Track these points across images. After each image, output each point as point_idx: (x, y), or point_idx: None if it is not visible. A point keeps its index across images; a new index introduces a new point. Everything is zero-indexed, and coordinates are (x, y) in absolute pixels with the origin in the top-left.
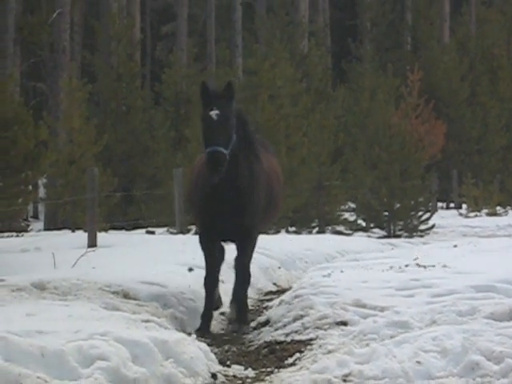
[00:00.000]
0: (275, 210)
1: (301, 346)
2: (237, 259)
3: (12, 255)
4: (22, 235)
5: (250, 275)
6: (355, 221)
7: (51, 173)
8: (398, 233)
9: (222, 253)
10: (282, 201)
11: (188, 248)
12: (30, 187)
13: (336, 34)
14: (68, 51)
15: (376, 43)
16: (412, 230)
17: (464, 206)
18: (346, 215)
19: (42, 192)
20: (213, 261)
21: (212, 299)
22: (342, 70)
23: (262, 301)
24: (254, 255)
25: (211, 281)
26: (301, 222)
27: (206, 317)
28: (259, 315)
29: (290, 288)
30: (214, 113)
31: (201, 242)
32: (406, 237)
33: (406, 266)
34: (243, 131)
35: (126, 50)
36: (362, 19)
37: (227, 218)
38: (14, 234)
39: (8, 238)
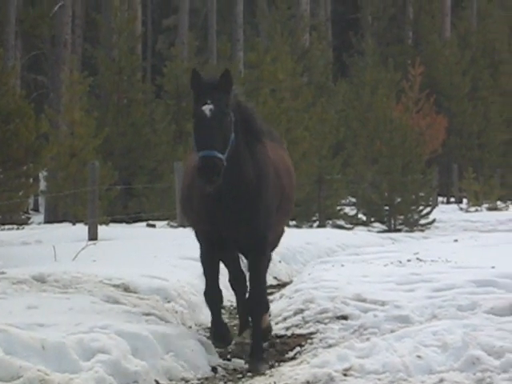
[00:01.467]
0: (289, 207)
1: (301, 339)
2: (249, 279)
3: (13, 248)
4: (23, 228)
5: (266, 297)
6: (356, 215)
7: (52, 166)
8: (399, 227)
9: (237, 262)
10: (294, 196)
11: (189, 241)
12: (31, 180)
13: (337, 28)
14: (69, 44)
15: (377, 37)
16: (412, 225)
17: (465, 200)
18: (347, 209)
19: (42, 185)
20: (214, 273)
21: (219, 315)
22: (344, 64)
23: None
24: None
25: (213, 293)
26: (301, 216)
27: (218, 336)
28: None
29: (290, 282)
30: (207, 108)
31: (201, 255)
32: (407, 231)
33: (408, 260)
34: (246, 124)
35: (127, 43)
36: (363, 13)
37: (233, 225)
38: (15, 226)
39: (9, 231)
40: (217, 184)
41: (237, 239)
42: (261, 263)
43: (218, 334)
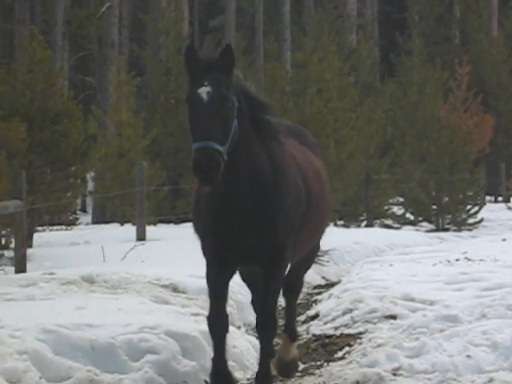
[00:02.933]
0: (319, 217)
1: (350, 339)
2: (261, 295)
3: (62, 248)
4: (71, 229)
5: (275, 318)
6: (403, 214)
7: (100, 166)
8: (447, 226)
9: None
10: (329, 211)
11: None
12: (79, 181)
13: (384, 27)
14: (116, 45)
15: (424, 37)
16: (460, 224)
17: None
18: (395, 209)
19: (90, 185)
20: (219, 296)
21: (222, 350)
22: (391, 64)
23: (311, 294)
24: None
25: (216, 322)
26: (349, 216)
27: (215, 376)
28: (308, 309)
29: (338, 282)
30: (204, 90)
31: (206, 272)
32: (455, 230)
33: (456, 260)
34: (249, 111)
35: (174, 43)
36: (410, 12)
37: (243, 233)
38: (63, 227)
39: (57, 232)
40: (215, 181)
41: (247, 250)
42: (274, 278)
43: (215, 375)
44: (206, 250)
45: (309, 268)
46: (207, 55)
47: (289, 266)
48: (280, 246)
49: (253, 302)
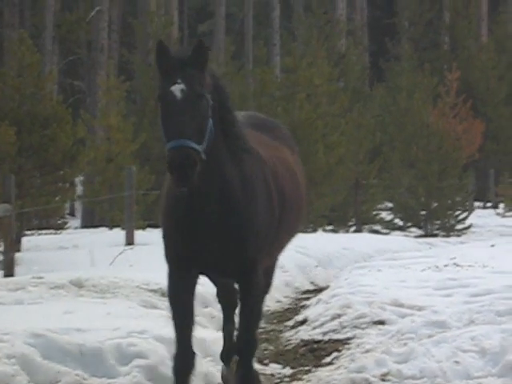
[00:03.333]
0: (293, 218)
1: (338, 344)
2: (239, 312)
3: (50, 253)
4: (60, 233)
5: (256, 336)
6: (392, 220)
7: (89, 170)
8: (435, 232)
9: (232, 296)
10: (304, 210)
11: None
12: (68, 185)
13: (374, 32)
14: (106, 49)
15: (414, 42)
16: (449, 230)
17: (501, 205)
18: (383, 214)
19: (79, 190)
20: (184, 323)
21: None
22: (380, 69)
23: (299, 299)
24: (291, 253)
25: (183, 360)
26: (338, 221)
27: None
28: (296, 314)
29: (327, 287)
30: (177, 88)
31: (169, 295)
32: (443, 236)
33: (445, 265)
34: (224, 110)
35: None
36: (399, 18)
37: (211, 247)
38: (52, 231)
39: (46, 236)
40: (191, 182)
41: (216, 262)
42: (250, 293)
43: None
44: (168, 259)
45: (270, 284)
46: (179, 52)
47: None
48: (251, 262)
49: (217, 294)
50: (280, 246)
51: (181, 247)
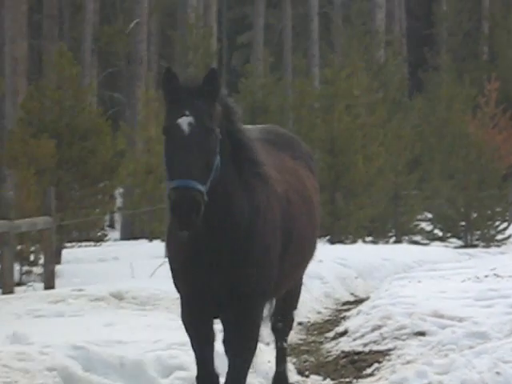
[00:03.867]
0: (304, 247)
1: (379, 356)
2: (230, 352)
3: (90, 265)
4: (100, 245)
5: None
6: (432, 231)
7: (128, 182)
8: (475, 242)
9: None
10: (317, 235)
11: None
12: (108, 197)
13: (412, 43)
14: (145, 61)
15: (452, 53)
16: (489, 240)
17: None
18: (423, 225)
19: (119, 202)
20: (205, 349)
21: None
22: (419, 80)
23: (339, 311)
24: (331, 265)
25: (206, 382)
26: (377, 232)
27: None
28: (337, 325)
29: (367, 298)
30: (185, 121)
31: (183, 321)
32: (483, 247)
33: (485, 276)
34: (234, 134)
35: (202, 59)
36: (438, 28)
37: (217, 283)
38: (92, 243)
39: (86, 248)
40: (195, 227)
41: (222, 299)
42: (247, 323)
43: None
44: (181, 296)
45: (296, 302)
46: (189, 80)
47: (274, 302)
48: (257, 289)
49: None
50: (289, 277)
51: (189, 288)
